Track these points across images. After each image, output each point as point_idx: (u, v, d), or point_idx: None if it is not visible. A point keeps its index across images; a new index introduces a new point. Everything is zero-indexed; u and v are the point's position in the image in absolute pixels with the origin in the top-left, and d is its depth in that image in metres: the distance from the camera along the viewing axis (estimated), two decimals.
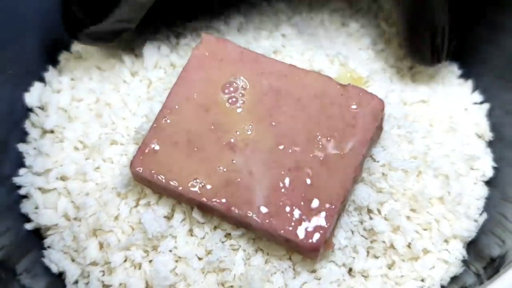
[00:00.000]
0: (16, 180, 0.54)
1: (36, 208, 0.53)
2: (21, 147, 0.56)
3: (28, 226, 0.53)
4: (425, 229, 0.51)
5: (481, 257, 0.50)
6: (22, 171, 0.55)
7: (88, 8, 0.52)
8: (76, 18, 0.53)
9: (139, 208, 0.51)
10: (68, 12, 0.53)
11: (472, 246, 0.52)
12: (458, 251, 0.51)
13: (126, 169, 0.51)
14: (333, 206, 0.46)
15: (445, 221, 0.51)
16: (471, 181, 0.54)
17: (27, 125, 0.57)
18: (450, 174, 0.53)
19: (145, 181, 0.49)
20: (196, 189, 0.47)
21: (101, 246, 0.50)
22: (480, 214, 0.53)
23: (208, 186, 0.47)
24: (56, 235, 0.52)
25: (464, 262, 0.51)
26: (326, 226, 0.46)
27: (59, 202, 0.52)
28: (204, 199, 0.47)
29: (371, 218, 0.50)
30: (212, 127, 0.49)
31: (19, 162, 0.56)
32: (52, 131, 0.56)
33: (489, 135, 0.57)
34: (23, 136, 0.57)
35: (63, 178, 0.53)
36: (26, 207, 0.53)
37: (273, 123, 0.49)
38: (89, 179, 0.53)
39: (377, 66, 0.60)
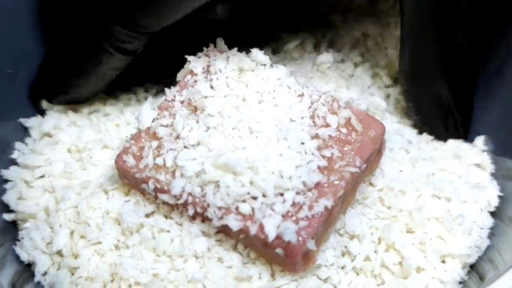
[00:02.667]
0: (4, 173, 0.53)
1: (19, 199, 0.52)
2: (18, 145, 0.56)
3: (7, 217, 0.52)
4: (419, 247, 0.47)
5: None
6: (13, 167, 0.54)
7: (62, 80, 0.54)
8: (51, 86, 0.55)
9: (121, 204, 0.48)
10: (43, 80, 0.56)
11: (474, 270, 0.48)
12: (455, 271, 0.47)
13: (114, 170, 0.50)
14: (318, 215, 0.43)
15: (441, 240, 0.47)
16: (475, 208, 0.50)
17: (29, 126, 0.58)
18: (453, 197, 0.50)
19: (129, 177, 0.47)
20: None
21: (72, 235, 0.48)
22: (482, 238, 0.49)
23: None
24: (32, 226, 0.50)
25: (462, 283, 0.47)
26: (306, 233, 0.43)
27: (41, 196, 0.52)
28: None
29: (361, 242, 0.47)
30: None
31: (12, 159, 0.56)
32: (49, 134, 0.56)
33: (491, 167, 0.54)
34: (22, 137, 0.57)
35: (49, 175, 0.53)
36: (9, 196, 0.52)
37: None
38: (75, 177, 0.52)
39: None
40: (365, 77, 0.60)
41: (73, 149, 0.54)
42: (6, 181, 0.53)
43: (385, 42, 0.63)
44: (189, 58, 0.50)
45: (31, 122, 0.57)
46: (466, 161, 0.54)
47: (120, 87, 0.58)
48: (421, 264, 0.46)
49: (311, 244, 0.43)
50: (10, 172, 0.53)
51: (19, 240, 0.50)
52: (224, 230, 0.45)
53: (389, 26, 0.63)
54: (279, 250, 0.43)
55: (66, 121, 0.56)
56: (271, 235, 0.42)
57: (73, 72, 0.52)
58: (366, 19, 0.64)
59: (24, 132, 0.57)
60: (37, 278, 0.48)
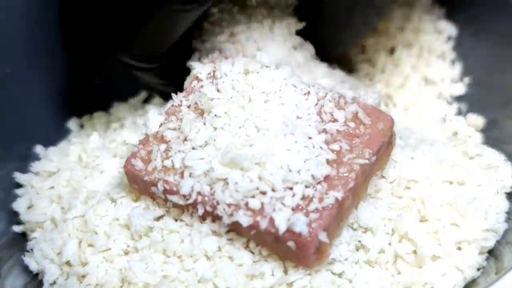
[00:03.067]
0: (17, 176, 0.54)
1: (29, 207, 0.52)
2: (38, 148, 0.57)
3: (16, 229, 0.52)
4: (434, 235, 0.46)
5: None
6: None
7: None
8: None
9: (130, 210, 0.48)
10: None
11: (492, 255, 0.47)
12: (472, 257, 0.45)
13: (122, 178, 0.49)
14: (329, 207, 0.43)
15: (455, 226, 0.46)
16: (490, 190, 0.49)
17: None
18: (467, 181, 0.49)
19: (138, 181, 0.47)
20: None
21: (80, 244, 0.47)
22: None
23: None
24: (40, 236, 0.50)
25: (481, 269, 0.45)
26: (317, 225, 0.42)
27: (49, 205, 0.51)
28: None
29: (374, 235, 0.46)
30: None
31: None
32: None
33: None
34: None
35: (57, 184, 0.53)
36: (19, 204, 0.52)
37: None
38: (83, 186, 0.52)
39: None
40: None
41: (83, 157, 0.55)
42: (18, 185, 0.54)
43: None
44: (194, 64, 0.50)
45: None
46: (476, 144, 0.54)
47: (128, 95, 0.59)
48: (436, 252, 0.45)
49: (323, 236, 0.42)
50: (23, 177, 0.54)
51: (28, 251, 0.50)
52: (235, 229, 0.44)
53: None
54: (290, 243, 0.42)
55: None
56: (282, 228, 0.41)
57: None
58: None
59: None
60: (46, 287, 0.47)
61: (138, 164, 0.46)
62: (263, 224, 0.42)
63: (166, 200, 0.46)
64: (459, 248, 0.46)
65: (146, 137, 0.48)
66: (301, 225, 0.41)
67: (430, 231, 0.46)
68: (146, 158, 0.47)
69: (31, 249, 0.49)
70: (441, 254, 0.45)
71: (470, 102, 0.61)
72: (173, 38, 0.48)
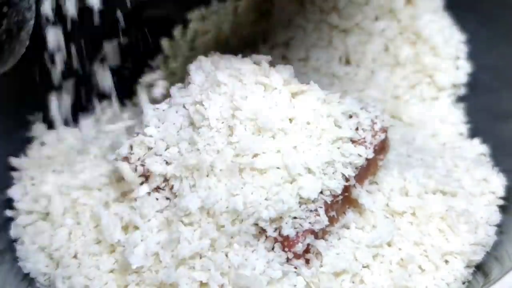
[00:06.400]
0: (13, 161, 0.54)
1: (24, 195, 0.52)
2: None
3: (9, 213, 0.51)
4: (421, 247, 0.46)
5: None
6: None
7: None
8: None
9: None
10: None
11: (480, 269, 0.47)
12: (458, 271, 0.45)
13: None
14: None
15: (443, 238, 0.46)
16: (482, 202, 0.49)
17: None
18: (459, 192, 0.48)
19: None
20: None
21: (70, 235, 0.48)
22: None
23: None
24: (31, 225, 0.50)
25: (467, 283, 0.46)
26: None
27: (42, 193, 0.51)
28: None
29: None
30: None
31: None
32: None
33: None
34: None
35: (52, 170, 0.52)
36: (13, 192, 0.52)
37: None
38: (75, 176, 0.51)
39: None
40: None
41: (76, 146, 0.55)
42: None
43: None
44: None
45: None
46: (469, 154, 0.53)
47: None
48: (422, 264, 0.45)
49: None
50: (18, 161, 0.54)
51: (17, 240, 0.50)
52: None
53: None
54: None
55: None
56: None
57: None
58: None
59: None
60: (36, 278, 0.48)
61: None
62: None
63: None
64: (446, 261, 0.46)
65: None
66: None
67: (418, 242, 0.46)
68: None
69: (21, 238, 0.50)
70: (427, 266, 0.45)
71: (465, 111, 0.60)
72: None
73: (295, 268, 0.43)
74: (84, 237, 0.47)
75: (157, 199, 0.46)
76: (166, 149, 0.46)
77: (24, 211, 0.51)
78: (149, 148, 0.46)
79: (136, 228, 0.45)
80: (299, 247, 0.42)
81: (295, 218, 0.42)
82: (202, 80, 0.48)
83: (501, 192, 0.50)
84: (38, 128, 0.56)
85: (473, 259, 0.46)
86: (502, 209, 0.50)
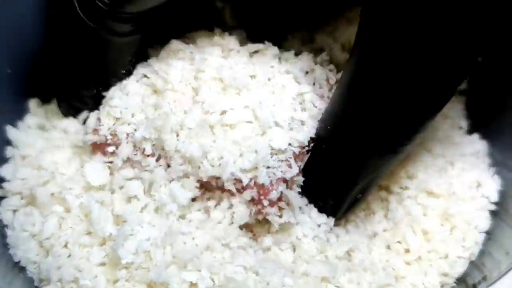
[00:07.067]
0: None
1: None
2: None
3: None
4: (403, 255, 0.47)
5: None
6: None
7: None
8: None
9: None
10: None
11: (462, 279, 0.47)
12: (435, 280, 0.46)
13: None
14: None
15: (426, 247, 0.47)
16: (473, 207, 0.49)
17: None
18: (450, 195, 0.48)
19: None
20: None
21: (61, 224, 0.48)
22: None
23: None
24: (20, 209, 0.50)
25: None
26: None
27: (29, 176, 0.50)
28: None
29: None
30: None
31: None
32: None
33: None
34: None
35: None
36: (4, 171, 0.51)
37: None
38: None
39: None
40: None
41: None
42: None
43: None
44: (174, 41, 0.50)
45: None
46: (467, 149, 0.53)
47: None
48: (401, 273, 0.46)
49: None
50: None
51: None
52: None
53: None
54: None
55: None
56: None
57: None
58: None
59: None
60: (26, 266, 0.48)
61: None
62: None
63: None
64: (425, 274, 0.47)
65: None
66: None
67: (401, 251, 0.47)
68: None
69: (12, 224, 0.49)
70: (405, 272, 0.46)
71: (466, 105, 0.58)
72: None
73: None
74: (76, 226, 0.47)
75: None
76: (132, 117, 0.47)
77: (11, 193, 0.50)
78: (117, 119, 0.48)
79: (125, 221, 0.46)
80: (274, 194, 0.44)
81: (268, 167, 0.44)
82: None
83: (494, 197, 0.50)
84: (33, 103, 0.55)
85: (456, 270, 0.47)
86: (493, 213, 0.50)
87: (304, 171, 0.46)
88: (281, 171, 0.45)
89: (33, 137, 0.52)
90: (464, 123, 0.55)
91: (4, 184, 0.50)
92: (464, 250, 0.47)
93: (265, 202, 0.45)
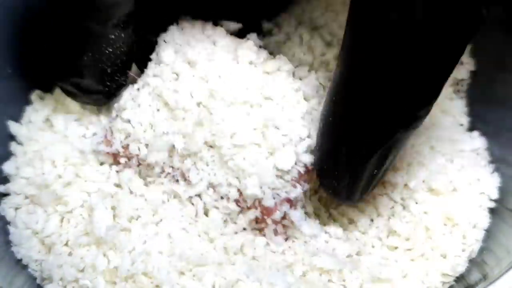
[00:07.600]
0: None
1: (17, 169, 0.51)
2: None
3: (1, 188, 0.50)
4: (405, 253, 0.47)
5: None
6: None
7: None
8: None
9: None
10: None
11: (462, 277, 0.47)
12: (437, 279, 0.47)
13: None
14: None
15: (427, 245, 0.47)
16: (473, 204, 0.49)
17: None
18: (450, 192, 0.48)
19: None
20: None
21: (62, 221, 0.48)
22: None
23: None
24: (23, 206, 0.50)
25: None
26: None
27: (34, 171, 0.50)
28: None
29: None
30: None
31: None
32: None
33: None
34: None
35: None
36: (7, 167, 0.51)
37: None
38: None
39: None
40: None
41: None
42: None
43: None
44: (163, 36, 0.49)
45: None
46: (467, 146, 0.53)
47: None
48: (403, 270, 0.46)
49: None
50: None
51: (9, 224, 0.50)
52: None
53: None
54: None
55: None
56: None
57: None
58: None
59: None
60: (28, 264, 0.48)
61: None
62: None
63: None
64: (426, 273, 0.47)
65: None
66: None
67: (402, 248, 0.47)
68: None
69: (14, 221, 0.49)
70: (407, 270, 0.46)
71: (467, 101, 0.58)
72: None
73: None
74: (77, 225, 0.48)
75: None
76: (144, 132, 0.47)
77: (15, 192, 0.50)
78: (128, 134, 0.48)
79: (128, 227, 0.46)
80: (278, 215, 0.45)
81: (273, 189, 0.44)
82: (172, 57, 0.48)
83: (494, 194, 0.50)
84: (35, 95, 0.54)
85: (456, 269, 0.47)
86: (493, 211, 0.50)
87: (318, 147, 0.45)
88: (286, 192, 0.45)
89: (37, 133, 0.52)
90: (464, 120, 0.55)
91: (7, 182, 0.50)
92: (465, 247, 0.47)
93: (269, 221, 0.45)
